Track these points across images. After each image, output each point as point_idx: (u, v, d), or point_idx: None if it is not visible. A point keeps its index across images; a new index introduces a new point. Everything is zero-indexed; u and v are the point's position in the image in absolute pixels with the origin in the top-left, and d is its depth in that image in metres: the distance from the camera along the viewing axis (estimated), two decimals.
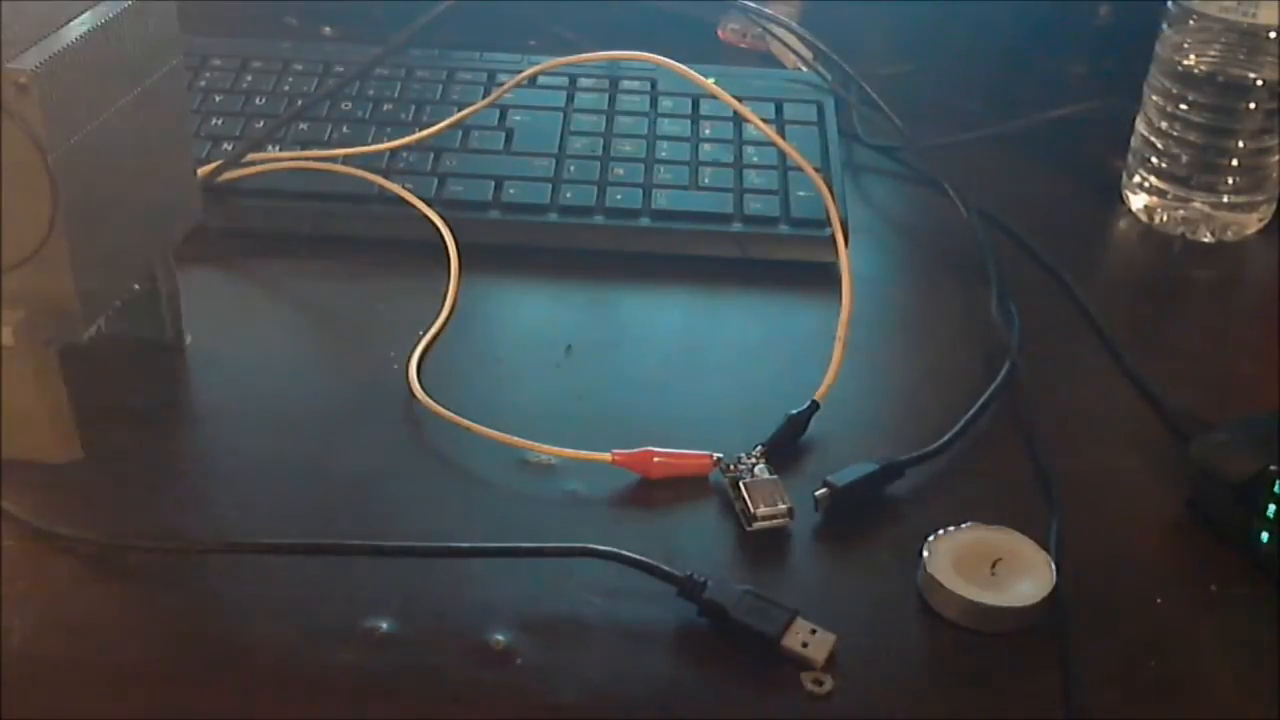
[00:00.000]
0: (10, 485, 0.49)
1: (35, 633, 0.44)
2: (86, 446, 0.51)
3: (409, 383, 0.56)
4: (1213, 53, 0.68)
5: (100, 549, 0.47)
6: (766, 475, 0.51)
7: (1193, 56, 0.68)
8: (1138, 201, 0.73)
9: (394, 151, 0.69)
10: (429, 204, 0.65)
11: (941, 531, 0.49)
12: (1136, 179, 0.72)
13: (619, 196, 0.67)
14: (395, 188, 0.66)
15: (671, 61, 0.65)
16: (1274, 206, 0.72)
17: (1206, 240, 0.71)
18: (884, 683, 0.45)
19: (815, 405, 0.55)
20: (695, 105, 0.75)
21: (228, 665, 0.44)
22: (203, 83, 0.74)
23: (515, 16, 0.87)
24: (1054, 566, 0.47)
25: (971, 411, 0.55)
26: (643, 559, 0.46)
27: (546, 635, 0.45)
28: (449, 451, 0.53)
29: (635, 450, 0.52)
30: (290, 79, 0.75)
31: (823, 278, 0.64)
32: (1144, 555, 0.51)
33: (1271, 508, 0.48)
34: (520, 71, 0.71)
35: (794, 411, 0.54)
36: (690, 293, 0.64)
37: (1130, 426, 0.57)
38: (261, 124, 0.70)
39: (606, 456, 0.52)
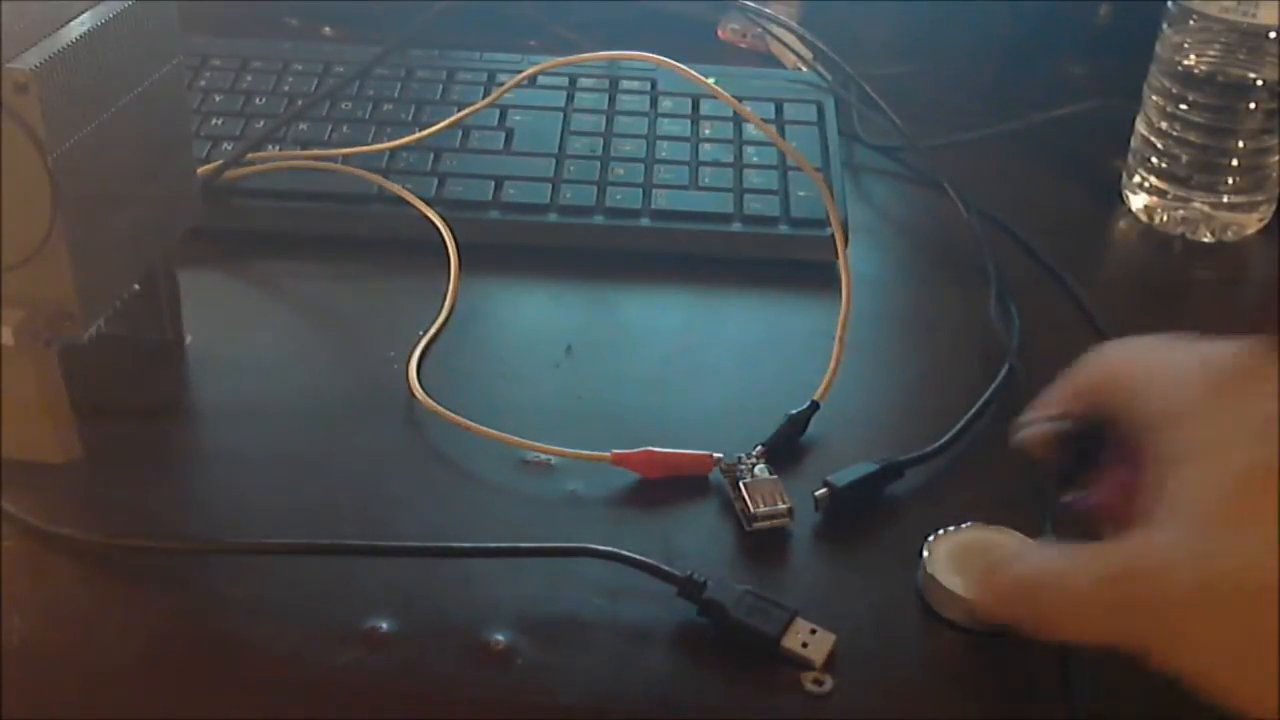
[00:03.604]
0: (10, 485, 0.49)
1: (35, 632, 0.44)
2: (86, 446, 0.51)
3: (409, 383, 0.56)
4: (1213, 53, 0.68)
5: (100, 549, 0.47)
6: (766, 475, 0.51)
7: (1193, 56, 0.68)
8: (1138, 201, 0.73)
9: (394, 151, 0.69)
10: (429, 204, 0.65)
11: (941, 531, 0.49)
12: (1136, 179, 0.72)
13: (619, 196, 0.67)
14: (395, 188, 0.66)
15: (671, 61, 0.65)
16: (1274, 206, 0.72)
17: (1206, 240, 0.71)
18: (884, 683, 0.45)
19: (815, 405, 0.55)
20: (695, 105, 0.75)
21: (227, 665, 0.44)
22: (203, 83, 0.74)
23: (515, 16, 0.87)
24: None
25: (971, 412, 0.56)
26: (643, 559, 0.46)
27: (546, 635, 0.45)
28: (449, 451, 0.53)
29: (635, 450, 0.52)
30: (290, 79, 0.75)
31: (823, 278, 0.64)
32: None
33: None
34: (520, 71, 0.71)
35: (794, 411, 0.54)
36: (690, 293, 0.64)
37: None
38: (261, 124, 0.70)
39: (606, 456, 0.52)
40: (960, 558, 0.47)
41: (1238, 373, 0.38)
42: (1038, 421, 0.44)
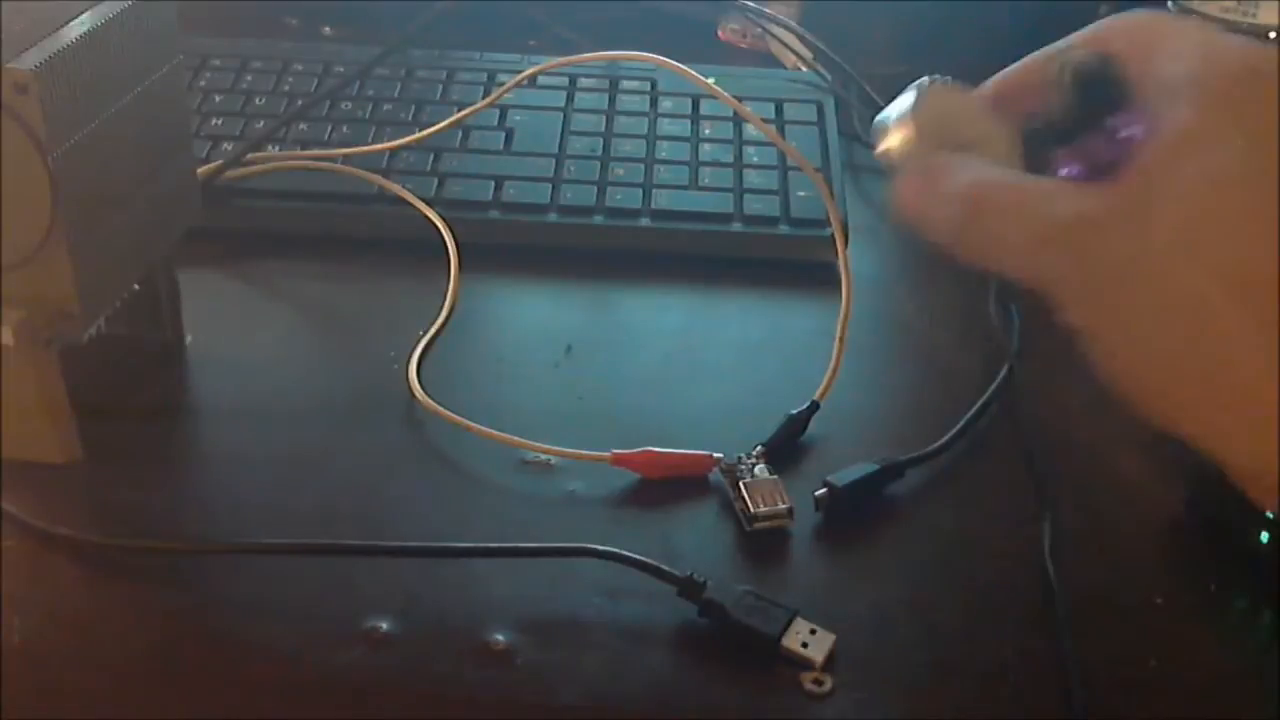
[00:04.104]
0: (10, 485, 0.49)
1: (35, 632, 0.44)
2: (86, 446, 0.51)
3: (409, 383, 0.56)
4: None
5: (100, 549, 0.47)
6: (766, 475, 0.51)
7: None
8: None
9: (394, 151, 0.69)
10: (429, 204, 0.65)
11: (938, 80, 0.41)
12: None
13: (619, 196, 0.67)
14: (395, 188, 0.66)
15: (671, 61, 0.65)
16: None
17: None
18: (884, 683, 0.45)
19: (815, 405, 0.55)
20: (695, 105, 0.75)
21: (228, 665, 0.44)
22: (203, 83, 0.74)
23: (515, 16, 0.87)
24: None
25: (971, 412, 0.56)
26: (643, 559, 0.46)
27: (546, 635, 0.45)
28: (449, 451, 0.53)
29: (635, 450, 0.52)
30: (290, 79, 0.75)
31: (823, 278, 0.64)
32: (1144, 555, 0.51)
33: None
34: (520, 71, 0.71)
35: (794, 411, 0.54)
36: (690, 293, 0.64)
37: (1130, 426, 0.57)
38: (261, 124, 0.70)
39: (606, 456, 0.52)
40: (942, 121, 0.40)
41: (1260, 77, 0.34)
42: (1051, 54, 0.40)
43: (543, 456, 0.52)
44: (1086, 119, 0.37)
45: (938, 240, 0.38)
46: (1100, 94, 0.37)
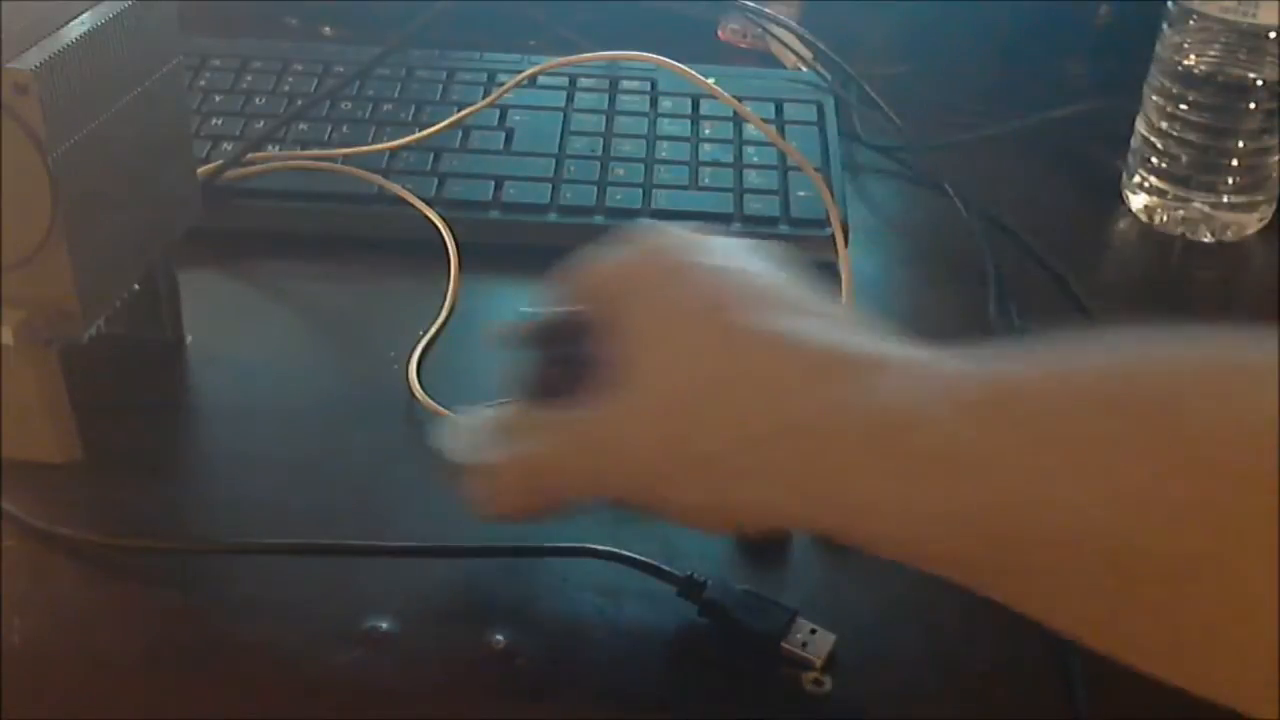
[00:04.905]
0: (10, 485, 0.49)
1: (35, 632, 0.44)
2: (86, 446, 0.51)
3: (409, 383, 0.56)
4: (1213, 53, 0.68)
5: (100, 549, 0.47)
6: None
7: (1193, 56, 0.68)
8: (1138, 201, 0.73)
9: (394, 151, 0.69)
10: (429, 204, 0.65)
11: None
12: (1136, 179, 0.72)
13: (619, 196, 0.67)
14: (395, 188, 0.66)
15: (671, 61, 0.65)
16: (1274, 206, 0.72)
17: (1206, 240, 0.71)
18: (884, 683, 0.45)
19: None
20: (695, 105, 0.75)
21: (227, 665, 0.44)
22: (203, 83, 0.74)
23: (515, 16, 0.87)
24: None
25: None
26: (643, 559, 0.46)
27: (546, 635, 0.45)
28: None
29: None
30: (290, 79, 0.75)
31: (823, 278, 0.63)
32: None
33: None
34: (520, 71, 0.71)
35: None
36: None
37: None
38: (261, 124, 0.70)
39: None
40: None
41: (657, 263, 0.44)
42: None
43: None
44: (565, 357, 0.46)
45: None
46: (561, 339, 0.46)
